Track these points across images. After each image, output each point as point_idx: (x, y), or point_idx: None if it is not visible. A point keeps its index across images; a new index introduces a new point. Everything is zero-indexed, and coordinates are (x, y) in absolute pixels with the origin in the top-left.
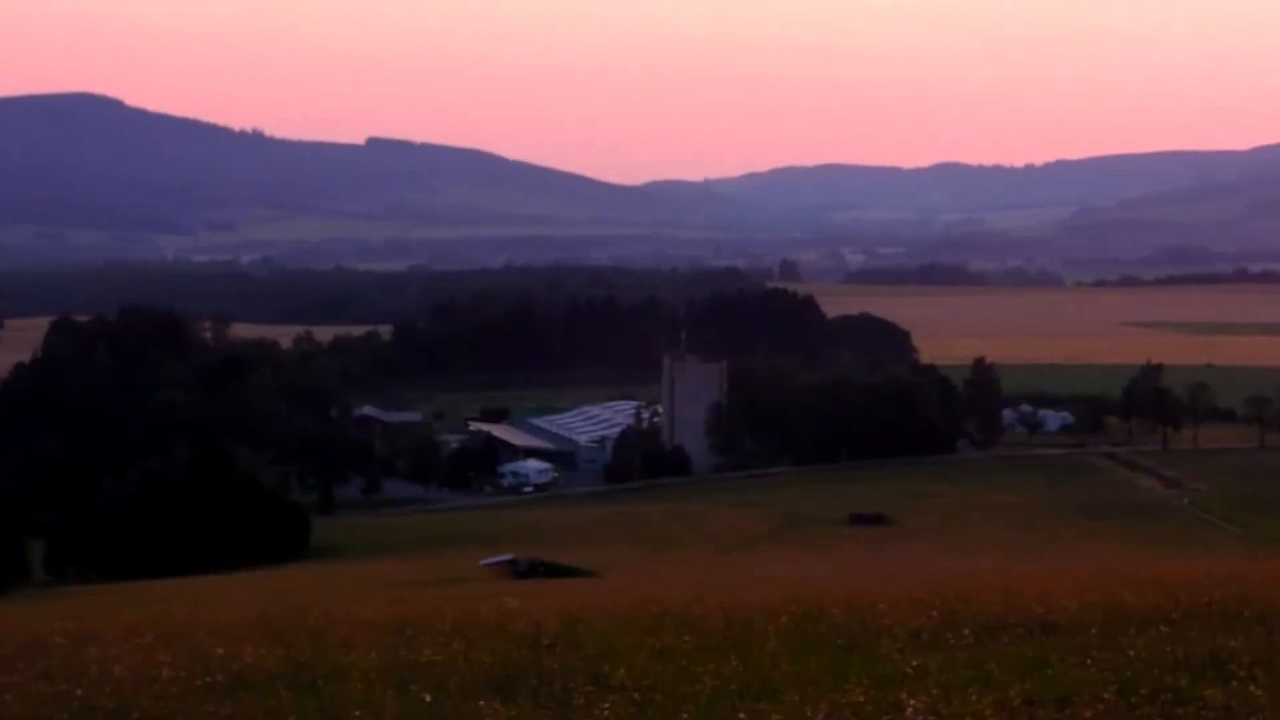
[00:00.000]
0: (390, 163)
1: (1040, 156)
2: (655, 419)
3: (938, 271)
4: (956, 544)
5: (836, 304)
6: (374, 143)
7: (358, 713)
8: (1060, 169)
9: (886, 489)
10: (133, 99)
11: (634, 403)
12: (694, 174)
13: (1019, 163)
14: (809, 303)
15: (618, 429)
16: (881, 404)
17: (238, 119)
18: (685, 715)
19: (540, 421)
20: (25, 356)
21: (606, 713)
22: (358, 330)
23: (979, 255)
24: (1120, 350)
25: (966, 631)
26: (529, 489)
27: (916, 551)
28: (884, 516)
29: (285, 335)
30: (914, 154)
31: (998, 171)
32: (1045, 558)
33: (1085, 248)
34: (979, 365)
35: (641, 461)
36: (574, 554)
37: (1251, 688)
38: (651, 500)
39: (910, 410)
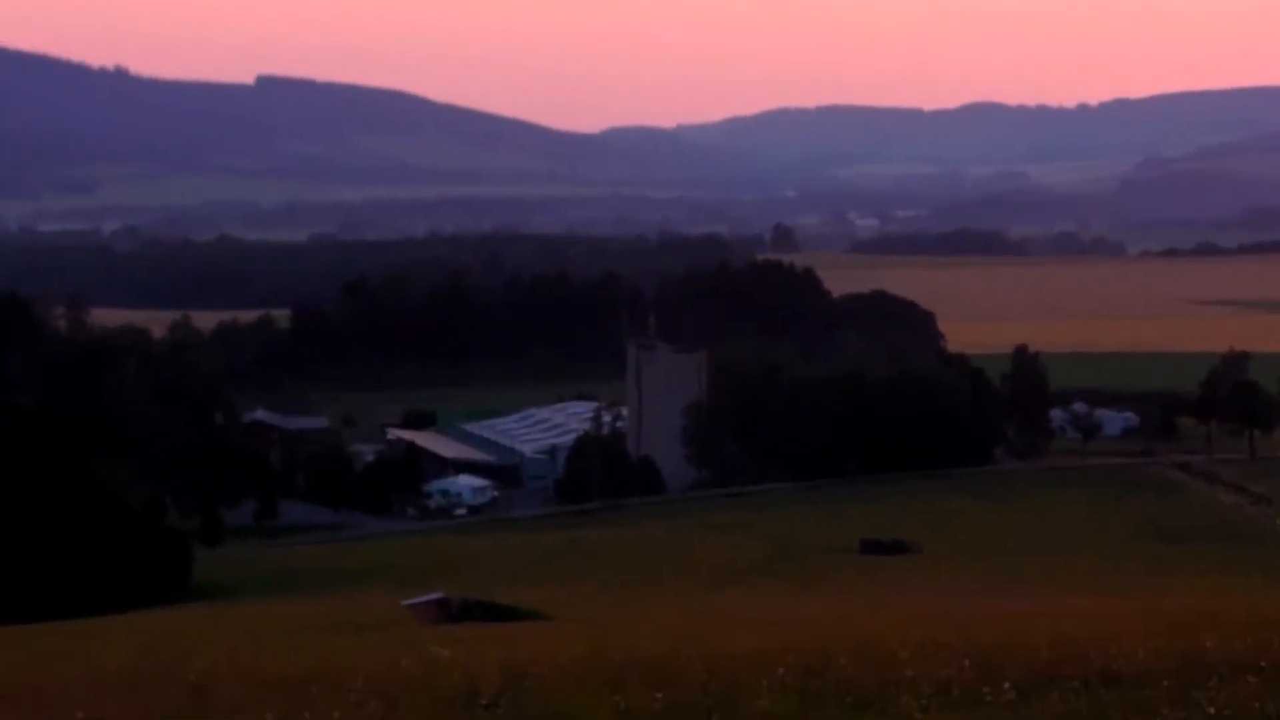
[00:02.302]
0: (285, 107)
1: (1096, 95)
2: (618, 423)
3: (968, 239)
4: (993, 576)
5: (843, 279)
6: (265, 82)
7: None
8: (1120, 110)
9: (906, 509)
10: None
11: (592, 404)
12: (664, 119)
13: (1069, 102)
14: (809, 278)
15: (571, 436)
16: (899, 403)
17: (96, 54)
18: None
19: (475, 428)
20: None
21: None
22: (247, 316)
23: (1020, 218)
24: (1196, 335)
25: (1007, 685)
26: (462, 511)
27: (944, 586)
28: (903, 543)
29: (157, 322)
30: (937, 92)
31: (1043, 114)
32: (1104, 593)
33: (1152, 208)
34: (1020, 354)
35: (601, 476)
36: (518, 592)
37: None
38: (614, 524)
39: (935, 411)
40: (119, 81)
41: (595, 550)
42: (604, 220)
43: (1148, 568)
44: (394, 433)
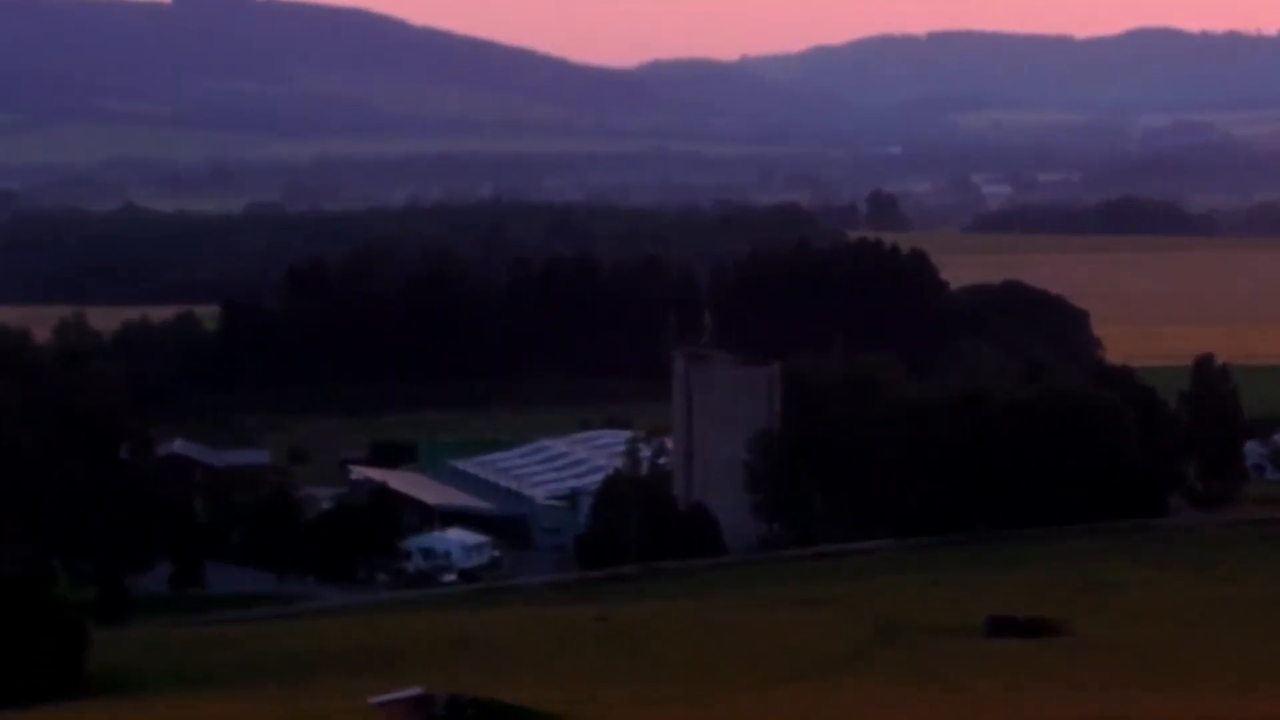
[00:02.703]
0: (213, 28)
1: None
2: (661, 460)
3: (1134, 212)
4: (1169, 670)
5: (965, 267)
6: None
7: None
8: None
9: (1049, 576)
10: None
11: (626, 433)
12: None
13: (1270, 28)
14: (918, 265)
15: (599, 477)
16: (1040, 435)
17: None
18: None
19: (469, 465)
20: None
21: None
22: (161, 313)
23: (1203, 183)
24: None
25: None
26: (451, 578)
27: (1102, 683)
28: (1045, 622)
29: (39, 321)
30: (1093, 16)
31: (1233, 44)
32: None
33: None
34: (1205, 368)
35: (639, 531)
36: (526, 688)
37: None
38: (657, 597)
39: (1088, 445)
40: None
41: (631, 632)
42: (642, 186)
43: None
44: (359, 471)
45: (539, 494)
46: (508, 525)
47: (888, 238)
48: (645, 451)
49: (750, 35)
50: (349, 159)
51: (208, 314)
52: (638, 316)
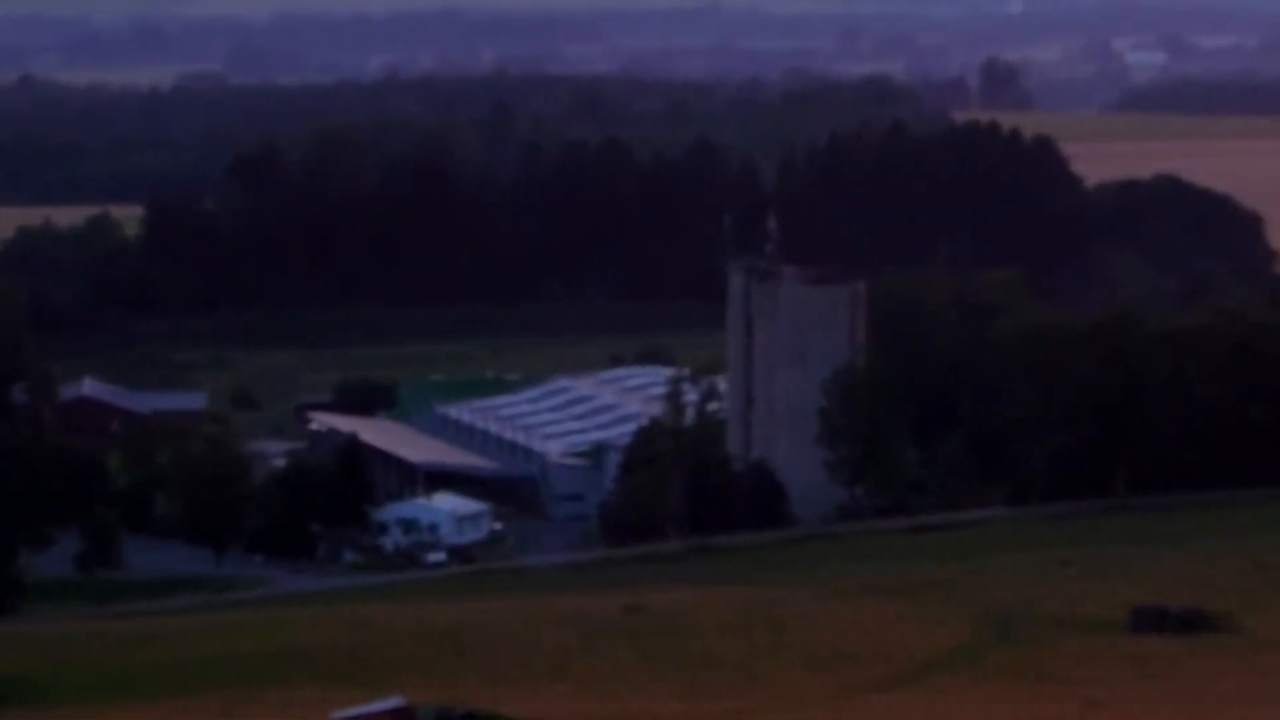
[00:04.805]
0: None
1: None
2: (712, 406)
3: None
4: None
5: (1105, 157)
6: None
7: None
8: None
9: (1213, 555)
10: None
11: (665, 371)
12: None
13: None
14: (1046, 154)
15: (630, 427)
16: (1204, 371)
17: None
18: None
19: (464, 413)
20: None
21: None
22: (69, 215)
23: None
24: None
25: None
26: (439, 557)
27: (1277, 698)
28: (1206, 615)
29: None
30: None
31: None
32: None
33: None
34: None
35: (684, 496)
36: (536, 696)
37: None
38: (705, 581)
39: (1266, 384)
40: None
41: (672, 626)
42: (690, 52)
43: None
44: (322, 420)
45: (553, 450)
46: (513, 489)
47: (1006, 120)
48: (691, 395)
49: None
50: (311, 18)
51: (128, 216)
52: (684, 220)
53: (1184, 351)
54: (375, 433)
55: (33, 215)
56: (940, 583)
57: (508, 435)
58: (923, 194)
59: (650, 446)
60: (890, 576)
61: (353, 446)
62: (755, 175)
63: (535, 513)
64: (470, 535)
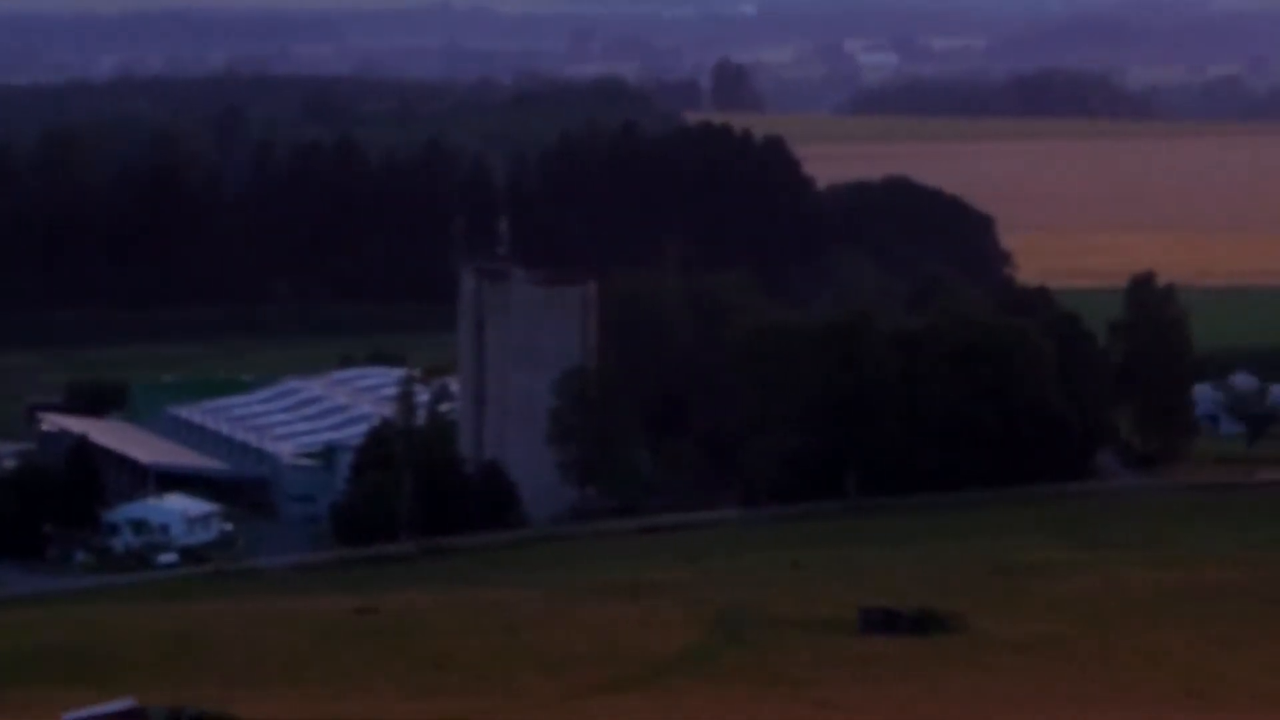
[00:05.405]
0: None
1: None
2: (444, 407)
3: (1054, 88)
4: (1097, 677)
5: (837, 159)
6: None
7: None
8: None
9: (943, 557)
10: None
11: (397, 372)
12: None
13: None
14: (777, 155)
15: (363, 427)
16: (934, 373)
17: None
18: None
19: (195, 414)
20: None
21: None
22: None
23: (1145, 53)
24: None
25: None
26: (170, 558)
27: (1009, 694)
28: (935, 616)
29: None
30: None
31: None
32: None
33: None
34: (1143, 289)
35: (415, 497)
36: (269, 698)
37: None
38: (435, 582)
39: (995, 386)
40: None
41: (403, 628)
42: (422, 52)
43: None
44: (52, 421)
45: (285, 450)
46: (244, 490)
47: (739, 121)
48: (423, 396)
49: None
50: (40, 17)
51: None
52: (416, 221)
53: (914, 353)
54: (106, 434)
55: None
56: (672, 584)
57: (239, 436)
58: (654, 195)
59: (382, 447)
60: (622, 578)
61: (83, 447)
62: (487, 176)
63: (267, 514)
64: (202, 536)
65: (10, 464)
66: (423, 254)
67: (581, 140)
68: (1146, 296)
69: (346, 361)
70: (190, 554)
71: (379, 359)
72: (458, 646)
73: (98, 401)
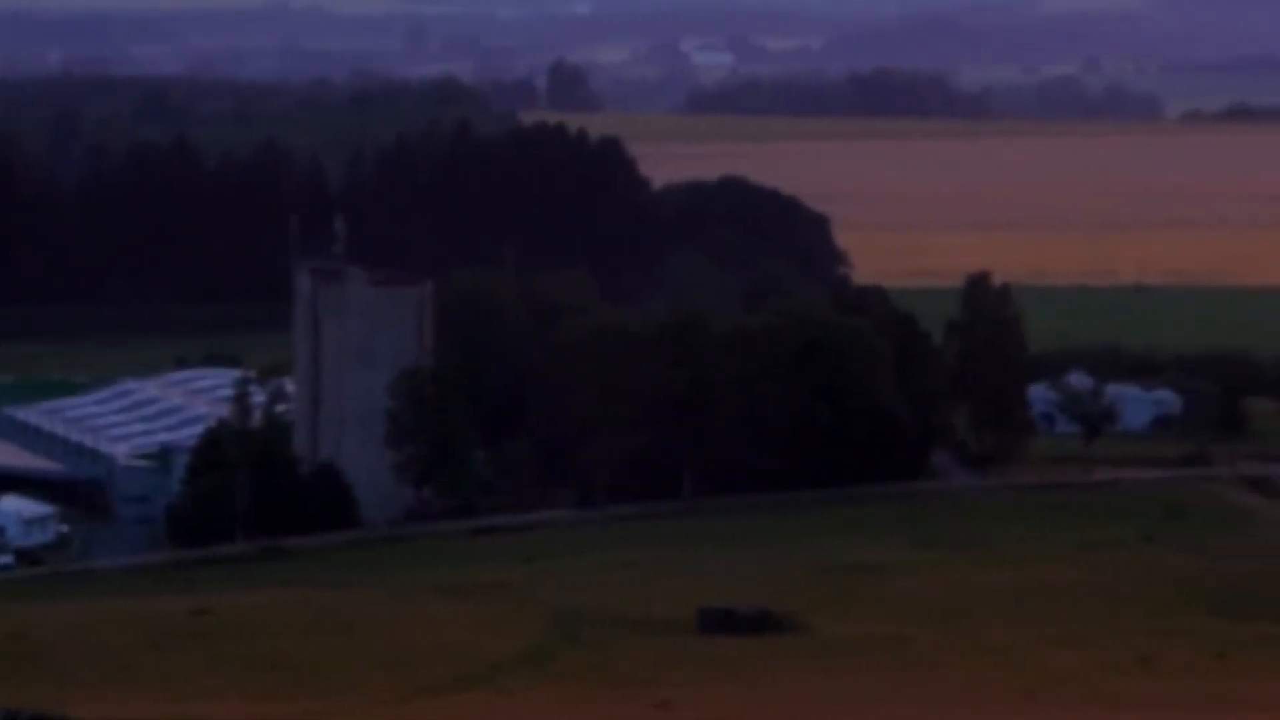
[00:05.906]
0: None
1: None
2: (280, 408)
3: (890, 88)
4: (931, 678)
5: (673, 158)
6: None
7: None
8: None
9: (778, 557)
10: None
11: (232, 373)
12: None
13: None
14: (613, 155)
15: (198, 428)
16: (769, 372)
17: None
18: None
19: (29, 415)
20: None
21: None
22: None
23: (979, 53)
24: None
25: None
26: (5, 560)
27: (841, 693)
28: (771, 616)
29: None
30: None
31: None
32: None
33: (1211, 39)
34: (978, 289)
35: (250, 498)
36: (104, 699)
37: None
38: (271, 583)
39: (829, 385)
40: None
41: (240, 629)
42: (258, 52)
43: (1198, 663)
44: None
45: (120, 451)
46: (80, 492)
47: (574, 121)
48: (259, 396)
49: None
50: None
51: None
52: (251, 221)
53: (751, 352)
54: None
55: None
56: (508, 584)
57: (74, 437)
58: (490, 195)
59: (217, 448)
60: (459, 578)
61: None
62: (322, 176)
63: (103, 515)
64: (37, 538)
65: None
66: (259, 254)
67: (417, 141)
68: (982, 296)
69: (181, 362)
70: (26, 556)
71: (215, 359)
72: (295, 647)
73: None
